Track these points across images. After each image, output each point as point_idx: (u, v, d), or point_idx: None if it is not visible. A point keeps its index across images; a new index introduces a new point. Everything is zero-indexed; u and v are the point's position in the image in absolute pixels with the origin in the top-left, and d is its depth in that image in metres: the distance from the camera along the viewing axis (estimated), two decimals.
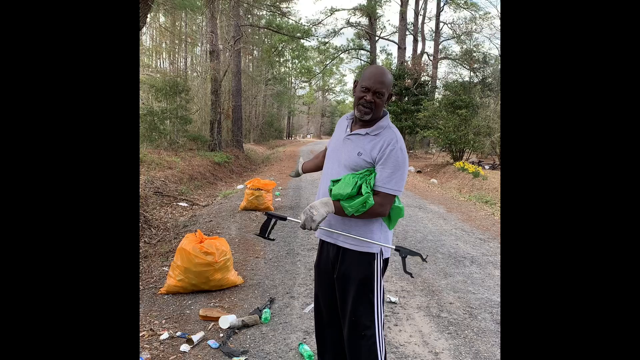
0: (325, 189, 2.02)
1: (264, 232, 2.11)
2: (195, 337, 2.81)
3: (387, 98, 1.97)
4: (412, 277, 2.02)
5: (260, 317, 3.15)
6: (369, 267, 1.98)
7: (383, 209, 1.91)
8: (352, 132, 2.01)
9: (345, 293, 2.01)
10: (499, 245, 5.54)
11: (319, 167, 2.41)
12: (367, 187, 1.87)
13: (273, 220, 2.12)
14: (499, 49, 28.50)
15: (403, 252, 1.93)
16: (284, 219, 2.09)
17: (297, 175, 2.61)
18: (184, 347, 2.73)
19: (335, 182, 1.96)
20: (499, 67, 24.63)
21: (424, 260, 1.93)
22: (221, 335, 2.93)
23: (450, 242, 5.62)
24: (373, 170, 1.92)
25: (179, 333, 2.92)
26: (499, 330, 3.14)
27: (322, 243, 2.15)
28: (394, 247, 1.96)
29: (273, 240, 2.21)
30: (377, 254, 1.98)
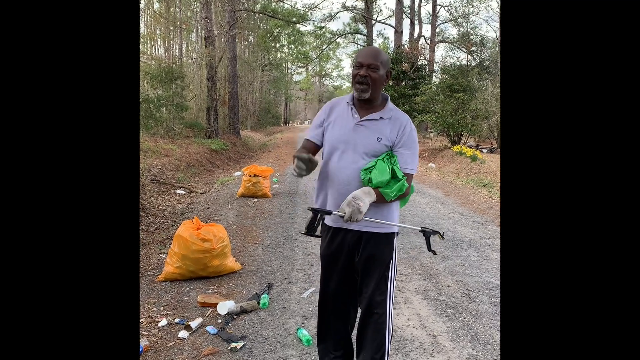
0: (347, 178, 1.94)
1: (312, 229, 2.01)
2: (194, 324, 2.82)
3: (386, 76, 1.94)
4: (435, 254, 2.06)
5: (258, 303, 3.15)
6: (391, 247, 2.03)
7: (407, 189, 1.95)
8: (364, 118, 1.95)
9: (369, 276, 2.02)
10: (497, 228, 5.55)
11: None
12: (399, 170, 1.90)
13: (319, 216, 2.02)
14: (497, 31, 28.33)
15: (427, 232, 1.99)
16: (329, 212, 1.99)
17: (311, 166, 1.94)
18: (183, 334, 2.74)
19: (367, 170, 1.91)
20: (497, 50, 24.50)
21: (442, 237, 2.01)
22: (219, 321, 2.93)
23: (448, 226, 5.62)
24: (391, 153, 1.94)
25: (177, 319, 2.92)
26: (497, 312, 3.15)
27: (335, 231, 2.07)
28: (419, 228, 2.01)
29: (319, 237, 2.14)
30: (396, 233, 2.04)
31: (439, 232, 1.99)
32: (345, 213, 1.82)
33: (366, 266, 2.01)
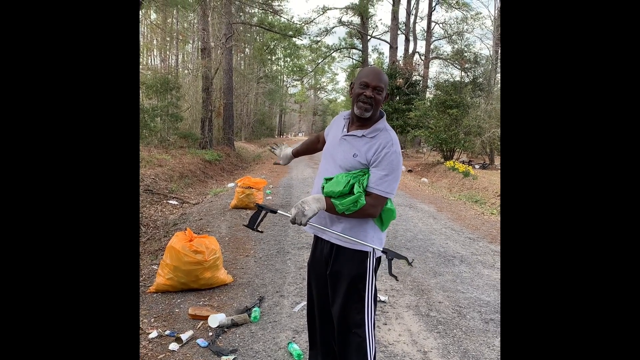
0: (319, 186, 2.03)
1: (253, 223, 2.10)
2: (184, 336, 2.80)
3: (385, 97, 1.98)
4: (397, 280, 2.03)
5: (249, 316, 3.15)
6: (362, 265, 1.99)
7: (374, 210, 1.92)
8: (349, 133, 2.01)
9: (337, 290, 2.03)
10: (488, 245, 5.58)
11: (309, 151, 2.54)
12: (359, 186, 1.88)
13: (263, 213, 2.11)
14: (491, 49, 28.69)
15: (390, 254, 1.93)
16: (275, 211, 2.08)
17: (287, 161, 2.66)
18: (173, 346, 2.72)
19: (328, 179, 1.97)
20: (490, 67, 24.79)
21: (409, 264, 1.95)
22: (210, 334, 2.92)
23: (440, 242, 5.64)
24: (367, 171, 1.93)
25: (167, 332, 2.91)
26: (487, 329, 3.16)
27: (317, 240, 2.15)
28: (381, 249, 1.97)
29: (261, 232, 2.21)
30: (370, 252, 2.00)
31: (405, 258, 1.93)
32: (291, 214, 1.88)
33: (332, 280, 2.04)
